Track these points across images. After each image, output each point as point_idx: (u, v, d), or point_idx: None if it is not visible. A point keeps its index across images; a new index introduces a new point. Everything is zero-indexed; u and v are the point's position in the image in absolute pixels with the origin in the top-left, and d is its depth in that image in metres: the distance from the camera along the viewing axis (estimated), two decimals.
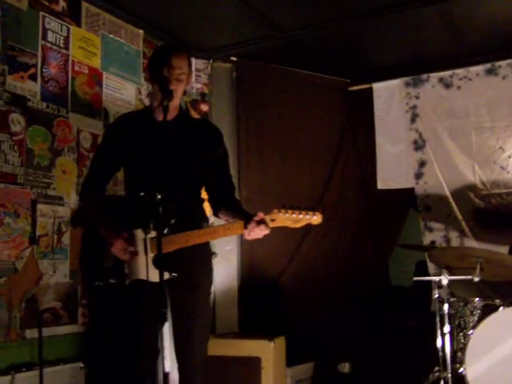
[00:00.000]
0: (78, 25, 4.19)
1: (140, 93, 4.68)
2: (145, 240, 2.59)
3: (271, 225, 2.56)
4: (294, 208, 2.54)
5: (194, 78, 5.31)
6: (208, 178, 2.94)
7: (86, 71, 4.23)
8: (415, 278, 5.38)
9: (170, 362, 2.15)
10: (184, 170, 2.83)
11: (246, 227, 2.59)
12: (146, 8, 4.52)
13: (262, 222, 2.56)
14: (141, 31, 4.74)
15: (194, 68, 5.29)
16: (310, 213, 2.55)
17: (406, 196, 5.70)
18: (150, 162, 2.68)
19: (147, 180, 2.58)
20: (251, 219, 2.57)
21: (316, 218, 2.58)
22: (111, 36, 4.46)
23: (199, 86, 5.35)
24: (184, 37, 5.03)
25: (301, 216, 2.54)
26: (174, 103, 2.82)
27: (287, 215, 2.53)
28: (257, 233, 2.60)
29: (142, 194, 2.40)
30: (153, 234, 2.58)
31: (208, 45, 5.23)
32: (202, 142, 2.91)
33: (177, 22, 4.76)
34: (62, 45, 4.05)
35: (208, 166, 2.91)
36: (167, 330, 2.21)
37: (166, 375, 2.16)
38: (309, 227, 5.20)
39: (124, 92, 4.54)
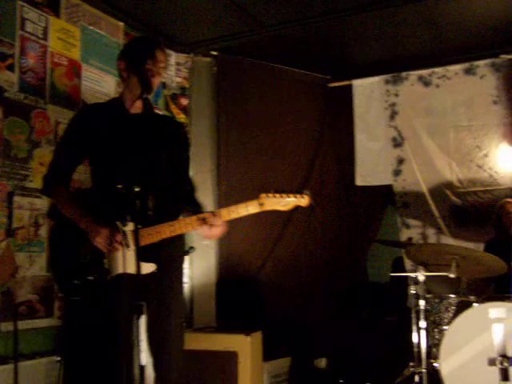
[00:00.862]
0: (57, 16, 4.14)
1: (120, 85, 4.64)
2: (124, 233, 2.56)
3: (260, 209, 2.57)
4: (280, 191, 2.56)
5: (175, 71, 5.29)
6: (175, 174, 2.93)
7: (65, 63, 4.19)
8: (392, 274, 5.45)
9: (145, 355, 2.15)
10: (158, 163, 2.81)
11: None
12: (127, 0, 4.49)
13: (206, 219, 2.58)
14: (121, 23, 4.70)
15: (174, 62, 5.28)
16: (298, 195, 2.57)
17: (384, 192, 5.74)
18: (124, 155, 2.65)
19: (121, 172, 2.54)
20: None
21: (304, 200, 2.58)
22: (91, 28, 4.42)
23: (179, 79, 5.32)
24: (165, 30, 5.01)
25: (289, 199, 2.55)
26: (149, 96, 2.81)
27: (275, 199, 2.55)
28: (208, 230, 2.61)
29: (119, 186, 2.37)
30: (130, 226, 2.55)
31: (189, 39, 5.20)
32: (173, 138, 2.91)
33: (158, 15, 4.73)
34: (40, 35, 4.00)
35: (175, 163, 2.91)
36: (144, 323, 2.19)
37: (142, 368, 2.15)
38: (288, 221, 5.28)
39: (103, 84, 4.50)
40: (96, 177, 2.87)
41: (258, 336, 4.32)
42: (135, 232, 2.35)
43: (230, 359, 4.13)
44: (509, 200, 4.80)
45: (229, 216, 2.61)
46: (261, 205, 2.56)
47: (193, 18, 4.81)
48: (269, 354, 4.51)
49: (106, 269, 2.63)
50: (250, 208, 2.58)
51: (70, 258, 2.71)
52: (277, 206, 2.56)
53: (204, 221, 2.57)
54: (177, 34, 5.10)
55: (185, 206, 2.85)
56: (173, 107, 5.21)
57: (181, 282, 2.94)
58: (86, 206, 2.71)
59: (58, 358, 3.67)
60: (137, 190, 2.32)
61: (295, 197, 2.57)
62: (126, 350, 2.50)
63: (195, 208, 2.81)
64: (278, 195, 2.55)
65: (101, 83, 4.47)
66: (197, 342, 4.20)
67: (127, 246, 2.57)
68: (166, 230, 2.62)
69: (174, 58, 5.27)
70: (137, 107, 2.79)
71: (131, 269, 2.50)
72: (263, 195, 2.56)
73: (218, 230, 2.62)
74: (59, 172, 2.86)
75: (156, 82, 2.74)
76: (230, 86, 5.37)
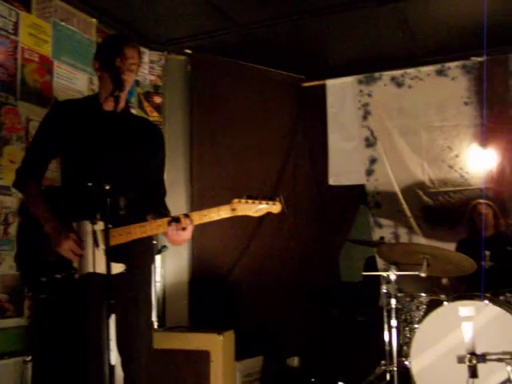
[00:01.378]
0: (28, 11, 4.08)
1: (92, 83, 4.59)
2: (94, 232, 2.54)
3: (232, 214, 2.55)
4: (253, 197, 2.54)
5: (148, 69, 5.26)
6: (147, 175, 2.91)
7: (37, 59, 4.13)
8: (364, 273, 5.48)
9: (115, 355, 2.13)
10: (131, 162, 2.79)
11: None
12: None
13: (179, 222, 2.55)
14: (94, 20, 4.66)
15: (147, 59, 5.25)
16: (270, 202, 2.56)
17: (356, 192, 5.78)
18: (96, 152, 2.59)
19: (92, 170, 2.51)
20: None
21: (275, 207, 2.57)
22: (63, 24, 4.36)
23: (153, 78, 5.29)
24: (139, 27, 4.98)
25: (261, 205, 2.54)
26: (124, 94, 2.78)
27: (247, 205, 2.53)
28: (177, 234, 2.58)
29: (89, 184, 2.35)
30: (100, 225, 2.52)
31: (163, 36, 5.18)
32: (147, 139, 2.89)
33: (132, 12, 4.70)
34: (11, 31, 3.94)
35: (148, 164, 2.89)
36: (113, 322, 2.17)
37: (111, 367, 2.13)
38: (261, 221, 5.28)
39: (76, 81, 4.45)
40: (66, 174, 2.84)
41: (230, 335, 4.31)
42: (105, 231, 2.32)
43: (202, 358, 4.11)
44: (480, 201, 4.87)
45: (200, 220, 2.58)
46: (233, 210, 2.54)
47: (167, 16, 4.79)
48: (241, 353, 4.51)
49: (75, 267, 2.60)
50: (221, 213, 2.56)
51: (37, 256, 2.67)
52: (249, 211, 2.55)
53: (175, 223, 2.55)
54: (151, 31, 5.08)
55: (153, 209, 2.81)
56: (146, 105, 5.17)
57: (149, 282, 2.92)
58: (56, 204, 2.68)
59: (28, 358, 3.63)
60: (107, 188, 2.29)
61: (267, 203, 2.55)
62: (95, 349, 2.48)
63: (163, 212, 2.78)
64: (250, 201, 2.54)
65: (73, 80, 4.43)
66: (169, 341, 4.18)
67: (97, 245, 2.55)
68: (137, 231, 2.60)
69: (147, 55, 5.23)
70: (112, 106, 2.72)
71: (100, 268, 2.46)
72: (236, 200, 2.54)
73: (186, 235, 2.59)
74: (32, 166, 2.82)
75: (128, 79, 2.71)
76: (203, 85, 5.36)
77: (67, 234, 2.57)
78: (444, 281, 4.64)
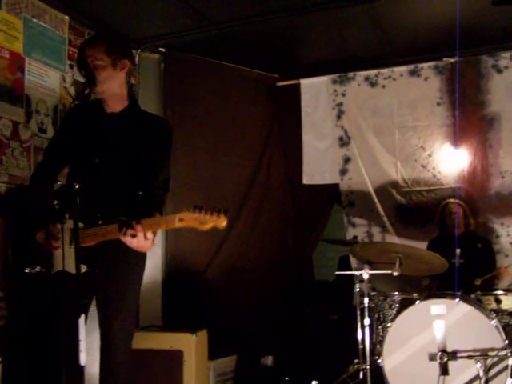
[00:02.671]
0: None
1: (65, 80, 4.55)
2: (62, 230, 2.52)
3: (179, 224, 2.45)
4: (201, 208, 2.43)
5: None
6: (143, 176, 2.89)
7: (7, 56, 4.06)
8: (337, 273, 5.51)
9: (85, 355, 2.10)
10: (119, 164, 2.81)
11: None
12: None
13: (129, 227, 2.51)
14: (66, 17, 4.59)
15: None
16: (215, 215, 2.42)
17: (330, 191, 5.80)
18: (87, 154, 2.71)
19: (82, 172, 2.54)
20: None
21: (221, 221, 2.44)
22: (34, 20, 4.30)
23: None
24: (112, 25, 4.91)
25: (207, 217, 2.41)
26: (114, 93, 2.86)
27: (195, 215, 2.42)
28: (129, 240, 2.54)
29: (58, 182, 2.35)
30: (69, 225, 2.51)
31: (136, 34, 5.13)
32: (145, 139, 2.88)
33: (105, 9, 4.65)
34: None
35: (145, 165, 2.87)
36: (83, 322, 2.15)
37: (81, 368, 2.11)
38: (234, 220, 5.28)
39: (47, 79, 4.39)
40: (68, 175, 2.95)
41: (203, 335, 4.30)
42: (74, 232, 2.31)
43: (175, 358, 4.10)
44: (451, 200, 4.94)
45: (150, 228, 2.52)
46: (180, 220, 2.44)
47: (140, 14, 4.74)
48: (215, 352, 4.50)
49: (52, 263, 2.66)
50: (170, 223, 2.49)
51: (23, 249, 2.74)
52: (195, 223, 2.43)
53: (126, 228, 2.50)
54: (124, 29, 5.01)
55: (146, 210, 2.74)
56: None
57: (127, 284, 2.86)
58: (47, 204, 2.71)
59: None
60: (77, 187, 2.28)
61: (212, 216, 2.42)
62: (65, 350, 2.47)
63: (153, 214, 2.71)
64: (197, 211, 2.41)
65: (45, 78, 4.36)
66: (142, 340, 4.14)
67: (70, 244, 2.56)
68: (100, 234, 2.60)
69: None
70: (117, 105, 2.89)
71: (67, 267, 2.47)
72: (186, 210, 2.44)
73: (141, 243, 2.53)
74: (43, 166, 3.06)
75: (97, 75, 2.78)
76: (177, 83, 5.33)
77: (46, 224, 2.66)
78: (425, 281, 4.69)
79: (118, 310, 2.78)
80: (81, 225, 2.56)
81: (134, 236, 2.50)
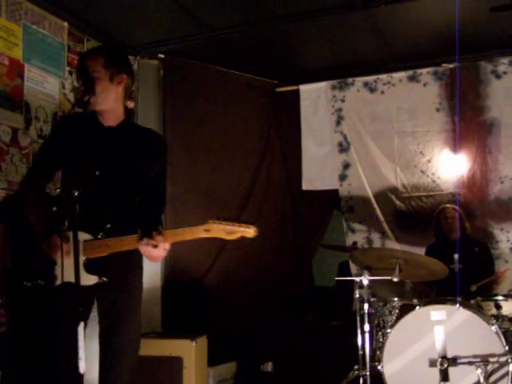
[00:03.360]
0: None
1: (64, 87, 4.55)
2: (63, 239, 2.53)
3: (205, 235, 2.55)
4: (228, 219, 2.55)
5: None
6: (141, 190, 2.90)
7: (7, 62, 4.07)
8: (337, 278, 5.50)
9: (84, 363, 2.10)
10: (119, 177, 2.81)
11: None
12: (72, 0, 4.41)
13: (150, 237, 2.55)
14: (65, 23, 4.60)
15: None
16: (243, 225, 2.55)
17: (330, 197, 5.80)
18: (87, 166, 2.68)
19: (81, 183, 2.52)
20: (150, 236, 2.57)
21: (249, 231, 2.56)
22: (34, 27, 4.31)
23: None
24: (111, 32, 4.93)
25: (235, 228, 2.54)
26: (109, 106, 2.84)
27: (221, 226, 2.53)
28: (150, 250, 2.57)
29: (57, 190, 2.35)
30: (87, 236, 2.57)
31: (135, 41, 5.14)
32: (142, 154, 2.88)
33: (104, 16, 4.66)
34: None
35: (143, 179, 2.88)
36: (82, 329, 2.15)
37: (80, 376, 2.10)
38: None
39: (47, 86, 4.39)
40: (62, 185, 2.89)
41: (203, 341, 4.29)
42: (74, 239, 2.31)
43: (175, 364, 4.09)
44: (447, 205, 4.94)
45: (173, 239, 2.59)
46: (206, 231, 2.54)
47: (139, 20, 4.76)
48: (214, 358, 4.50)
49: (55, 275, 2.62)
50: (195, 233, 2.56)
51: (22, 261, 2.70)
52: (222, 233, 2.55)
53: (147, 239, 2.55)
54: (123, 35, 5.04)
55: (146, 223, 2.79)
56: None
57: (134, 296, 2.88)
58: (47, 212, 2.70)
59: None
60: (75, 194, 2.28)
61: (241, 226, 2.55)
62: (66, 358, 2.46)
63: (154, 226, 2.73)
64: (224, 223, 2.54)
65: (44, 84, 4.37)
66: (142, 347, 4.08)
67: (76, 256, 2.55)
68: (114, 245, 2.61)
69: None
70: (114, 120, 2.87)
71: (71, 277, 2.46)
72: (210, 221, 2.54)
73: (158, 252, 2.58)
74: (32, 174, 2.98)
75: (97, 86, 2.76)
76: (176, 89, 5.34)
77: (56, 231, 2.61)
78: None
79: (126, 323, 2.80)
80: (89, 236, 2.60)
81: (155, 246, 2.53)
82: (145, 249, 2.57)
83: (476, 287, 4.25)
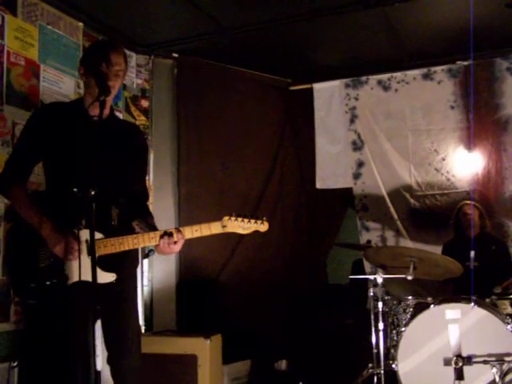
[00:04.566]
0: (14, 14, 4.05)
1: (79, 87, 4.58)
2: (87, 241, 2.56)
3: (222, 231, 2.70)
4: (242, 216, 2.71)
5: (135, 73, 5.25)
6: (133, 182, 2.93)
7: (23, 63, 4.11)
8: (351, 277, 5.49)
9: (101, 361, 2.12)
10: (119, 169, 2.78)
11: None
12: (87, 0, 4.44)
13: (171, 236, 2.66)
14: (80, 24, 4.64)
15: (134, 63, 5.24)
16: (258, 221, 2.74)
17: (344, 195, 5.79)
18: (83, 159, 2.57)
19: (79, 177, 2.48)
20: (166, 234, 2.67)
21: (263, 226, 2.76)
22: (49, 27, 4.34)
23: (140, 81, 5.28)
24: (125, 31, 4.97)
25: (249, 224, 2.72)
26: (110, 100, 2.78)
27: (237, 222, 2.69)
28: (171, 247, 2.67)
29: (74, 189, 2.34)
30: (98, 235, 2.56)
31: (149, 40, 5.17)
32: (133, 145, 2.90)
33: (118, 16, 4.69)
34: None
35: (133, 171, 2.90)
36: (99, 328, 2.17)
37: (97, 373, 2.13)
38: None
39: (62, 85, 4.43)
40: (51, 180, 2.80)
41: (217, 339, 4.30)
42: (91, 238, 2.32)
43: (189, 362, 4.10)
44: (467, 202, 4.90)
45: (192, 235, 2.70)
46: (223, 227, 2.70)
47: (153, 20, 4.78)
48: (229, 356, 4.51)
49: (66, 274, 2.61)
50: (212, 229, 2.71)
51: (28, 262, 2.66)
52: (238, 229, 2.72)
53: (168, 237, 2.64)
54: (137, 35, 5.07)
55: (139, 216, 2.86)
56: (133, 109, 5.16)
57: (135, 290, 2.98)
58: (43, 210, 2.66)
59: (14, 364, 3.60)
60: (93, 193, 2.29)
61: (256, 222, 2.74)
62: (81, 355, 2.47)
63: (149, 219, 2.87)
64: (240, 219, 2.70)
65: (59, 84, 4.40)
66: (156, 345, 4.16)
67: (88, 254, 2.56)
68: (130, 242, 2.65)
69: (134, 59, 5.22)
70: (105, 112, 2.72)
71: (89, 276, 2.47)
72: (226, 218, 2.70)
73: (176, 248, 2.69)
74: (16, 170, 2.80)
75: (114, 84, 2.70)
76: (190, 88, 5.35)
77: (60, 235, 2.59)
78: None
79: (132, 316, 2.85)
80: (100, 235, 2.60)
81: (175, 243, 2.66)
82: (165, 246, 2.65)
83: (501, 288, 4.21)
